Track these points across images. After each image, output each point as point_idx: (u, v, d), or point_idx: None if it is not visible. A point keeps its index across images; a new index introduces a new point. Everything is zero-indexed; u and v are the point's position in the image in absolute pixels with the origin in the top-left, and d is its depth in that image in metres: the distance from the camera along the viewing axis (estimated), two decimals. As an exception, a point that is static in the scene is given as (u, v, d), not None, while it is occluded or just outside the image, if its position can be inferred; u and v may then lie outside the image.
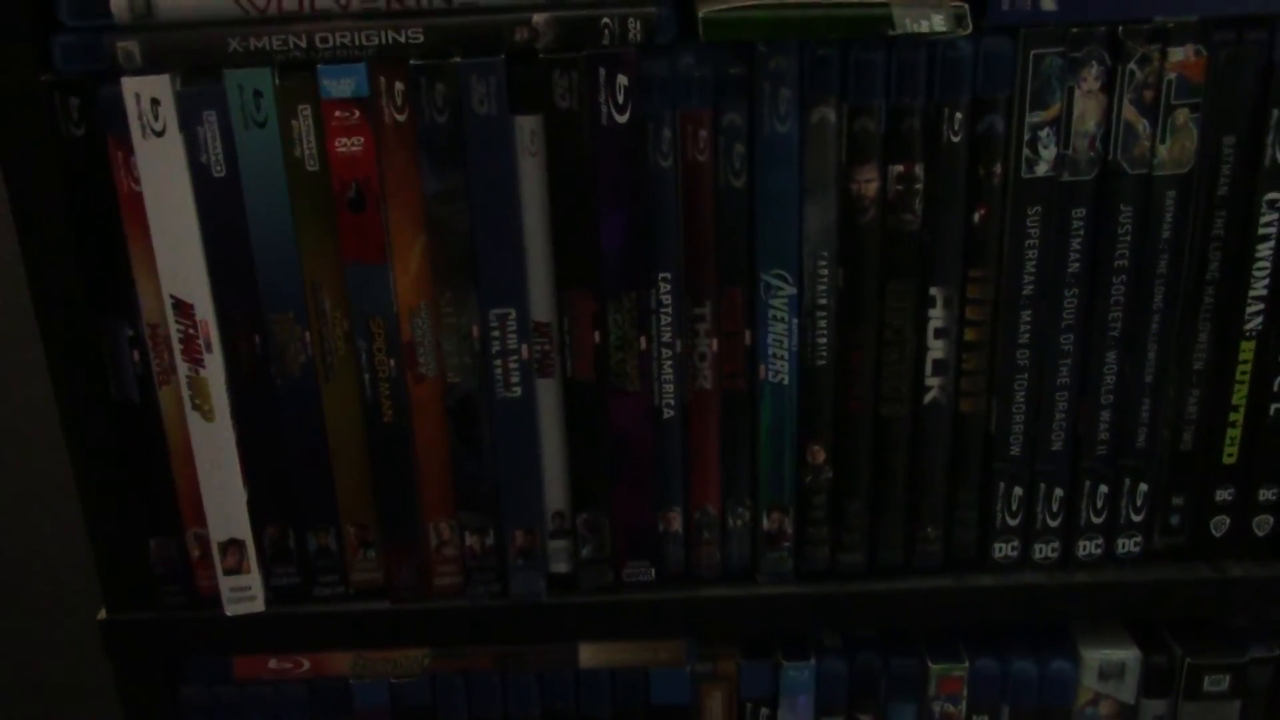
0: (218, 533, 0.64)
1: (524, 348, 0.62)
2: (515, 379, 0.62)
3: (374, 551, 0.66)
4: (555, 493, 0.65)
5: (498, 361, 0.62)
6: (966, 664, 0.69)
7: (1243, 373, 0.64)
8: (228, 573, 0.65)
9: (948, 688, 0.70)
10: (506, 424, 0.63)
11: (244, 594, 0.66)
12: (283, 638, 0.67)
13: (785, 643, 0.70)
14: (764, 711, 0.71)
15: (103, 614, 0.67)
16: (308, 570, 0.66)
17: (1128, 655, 0.69)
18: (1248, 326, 0.63)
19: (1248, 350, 0.63)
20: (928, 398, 0.64)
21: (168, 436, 0.63)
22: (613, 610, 0.67)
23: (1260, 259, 0.62)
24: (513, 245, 0.60)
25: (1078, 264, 0.61)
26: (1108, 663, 0.69)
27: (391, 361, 0.62)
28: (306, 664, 0.69)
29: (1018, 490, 0.66)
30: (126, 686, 0.69)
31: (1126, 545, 0.67)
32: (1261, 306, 0.62)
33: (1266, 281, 0.62)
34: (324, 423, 0.63)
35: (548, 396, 0.63)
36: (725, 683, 0.70)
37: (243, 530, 0.64)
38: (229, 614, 0.66)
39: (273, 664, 0.69)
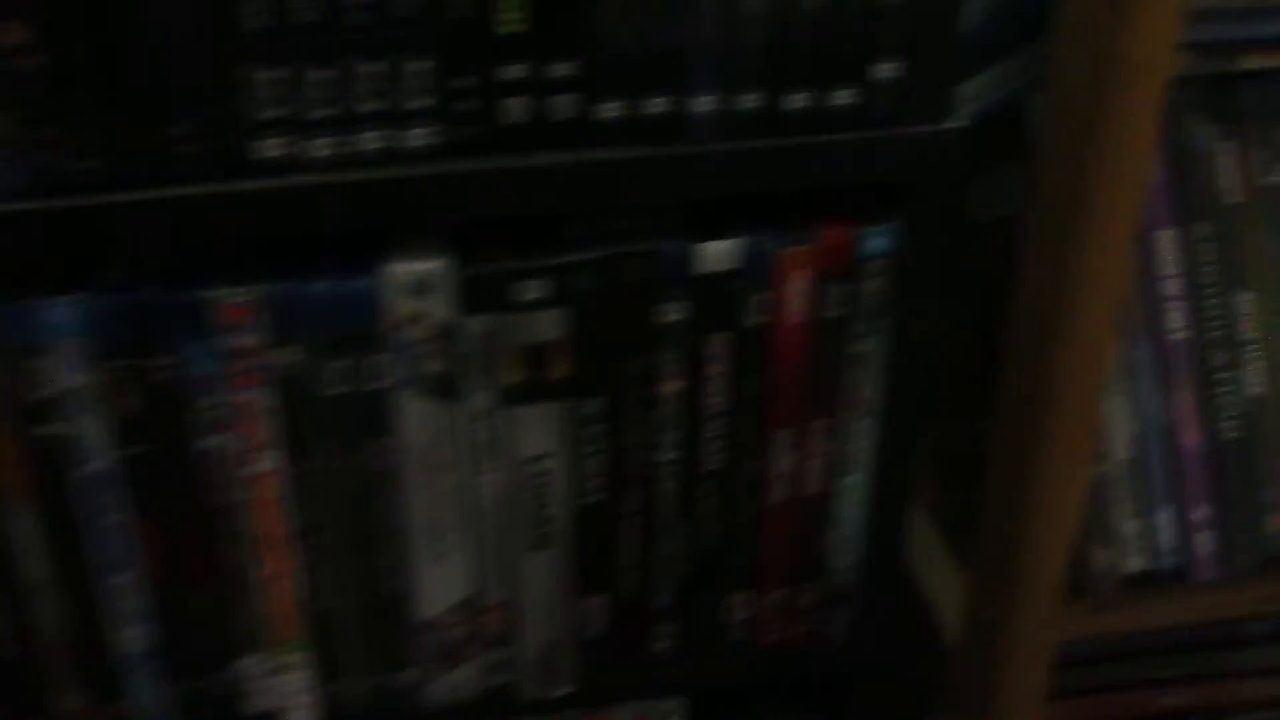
0: None
1: None
2: None
3: None
4: None
5: None
6: (255, 289, 0.60)
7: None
8: None
9: (237, 316, 0.61)
10: None
11: None
12: None
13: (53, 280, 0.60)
14: (27, 362, 0.60)
15: None
16: None
17: (436, 266, 0.62)
18: None
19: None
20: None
21: None
22: None
23: None
24: None
25: None
26: (416, 276, 0.62)
27: None
28: None
29: (268, 75, 0.56)
30: None
31: (413, 137, 0.59)
32: None
33: None
34: None
35: None
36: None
37: None
38: None
39: None
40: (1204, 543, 0.75)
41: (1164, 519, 0.75)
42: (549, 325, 0.64)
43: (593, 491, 0.70)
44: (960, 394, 0.85)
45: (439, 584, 0.71)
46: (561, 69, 0.59)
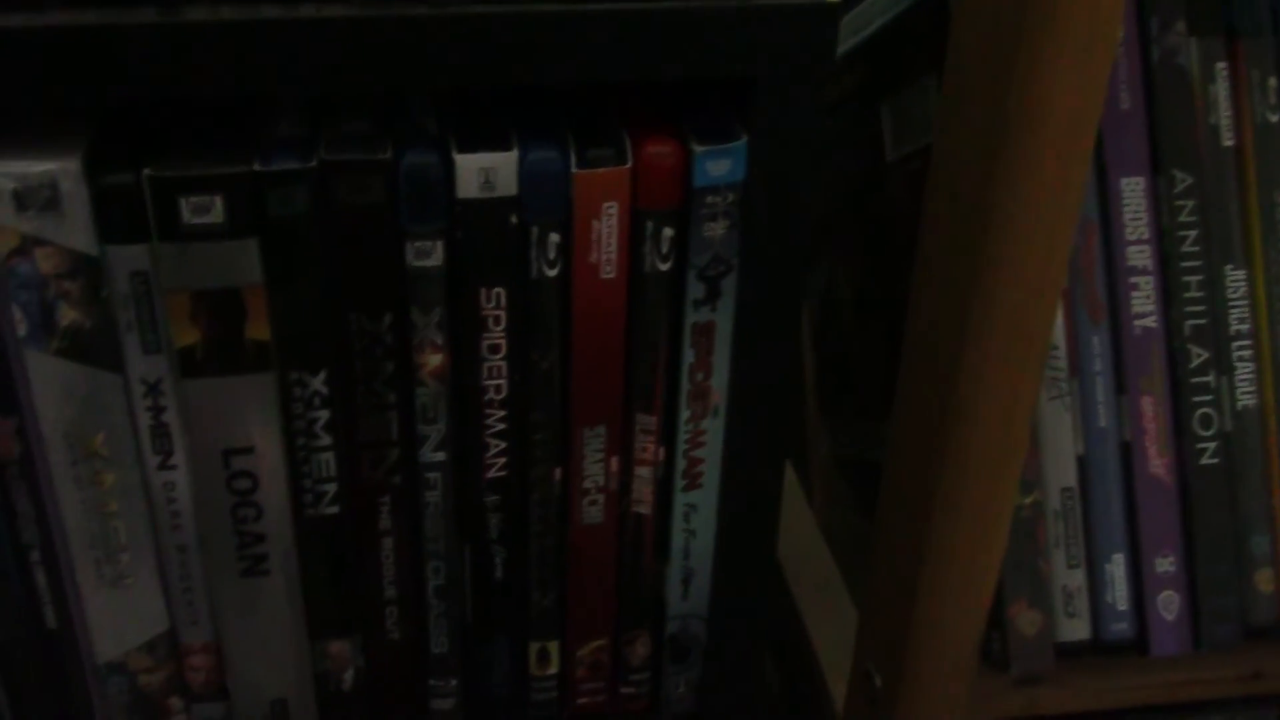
0: None
1: None
2: None
3: None
4: None
5: None
6: None
7: None
8: None
9: None
10: None
11: None
12: None
13: None
14: None
15: None
16: None
17: (53, 168, 0.42)
18: None
19: None
20: None
21: None
22: None
23: None
24: None
25: None
26: (30, 182, 0.42)
27: None
28: None
29: None
30: None
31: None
32: None
33: None
34: None
35: None
36: None
37: None
38: None
39: None
40: (1168, 605, 0.55)
41: (1115, 572, 0.55)
42: (237, 263, 0.45)
43: (323, 501, 0.50)
44: (869, 387, 0.66)
45: (118, 616, 0.52)
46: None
